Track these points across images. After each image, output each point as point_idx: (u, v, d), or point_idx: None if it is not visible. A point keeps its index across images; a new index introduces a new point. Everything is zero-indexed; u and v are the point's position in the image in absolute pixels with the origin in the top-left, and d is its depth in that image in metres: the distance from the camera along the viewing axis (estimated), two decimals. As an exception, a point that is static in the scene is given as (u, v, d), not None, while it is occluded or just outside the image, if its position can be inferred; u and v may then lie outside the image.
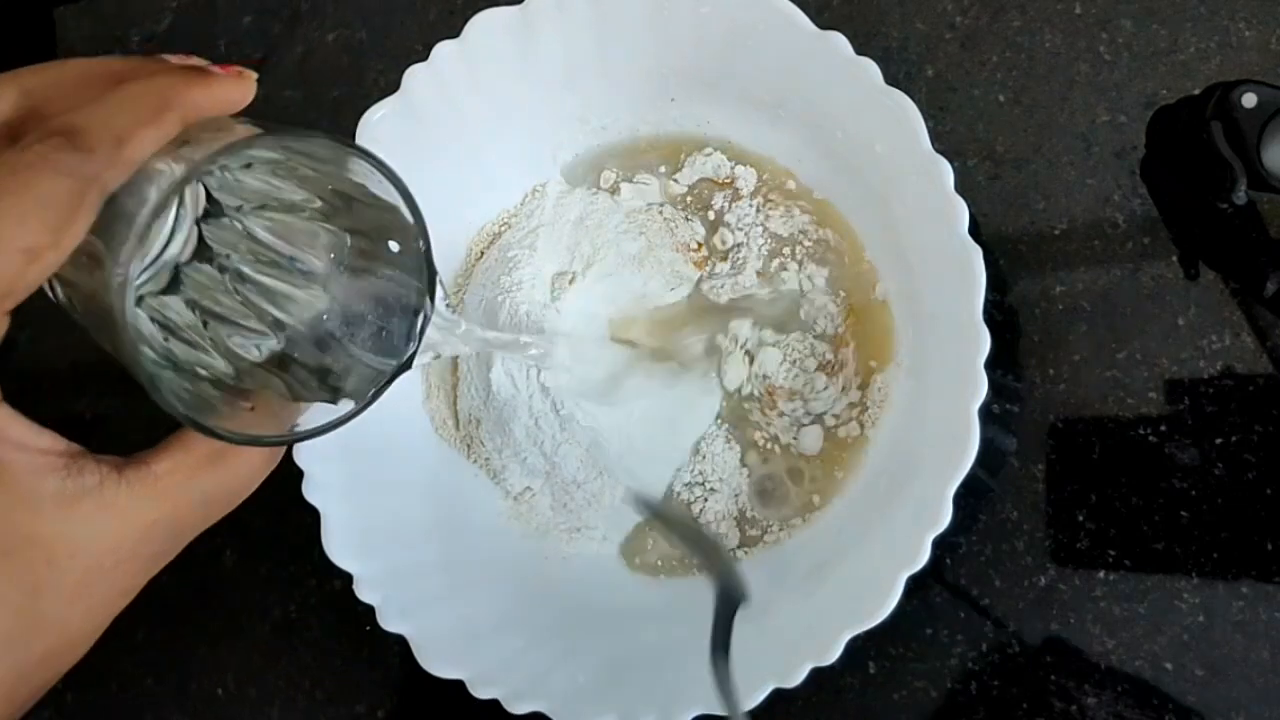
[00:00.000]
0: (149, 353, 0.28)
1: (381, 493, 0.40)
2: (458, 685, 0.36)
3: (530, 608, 0.41)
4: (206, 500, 0.28)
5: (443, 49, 0.39)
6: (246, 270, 0.30)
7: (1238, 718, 0.38)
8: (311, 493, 0.37)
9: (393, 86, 0.39)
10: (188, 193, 0.29)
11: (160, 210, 0.24)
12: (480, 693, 0.36)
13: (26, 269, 0.24)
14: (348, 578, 0.37)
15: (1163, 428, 0.40)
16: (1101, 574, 0.40)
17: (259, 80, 0.28)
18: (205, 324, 0.30)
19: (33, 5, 0.52)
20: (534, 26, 0.39)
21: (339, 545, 0.37)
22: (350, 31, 0.49)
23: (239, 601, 0.46)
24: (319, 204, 0.31)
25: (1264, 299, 0.41)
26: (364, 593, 0.37)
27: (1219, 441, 0.40)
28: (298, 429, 0.30)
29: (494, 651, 0.38)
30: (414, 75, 0.39)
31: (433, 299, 0.30)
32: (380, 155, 0.28)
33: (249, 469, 0.29)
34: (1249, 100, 0.37)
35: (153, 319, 0.29)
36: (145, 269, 0.28)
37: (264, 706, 0.45)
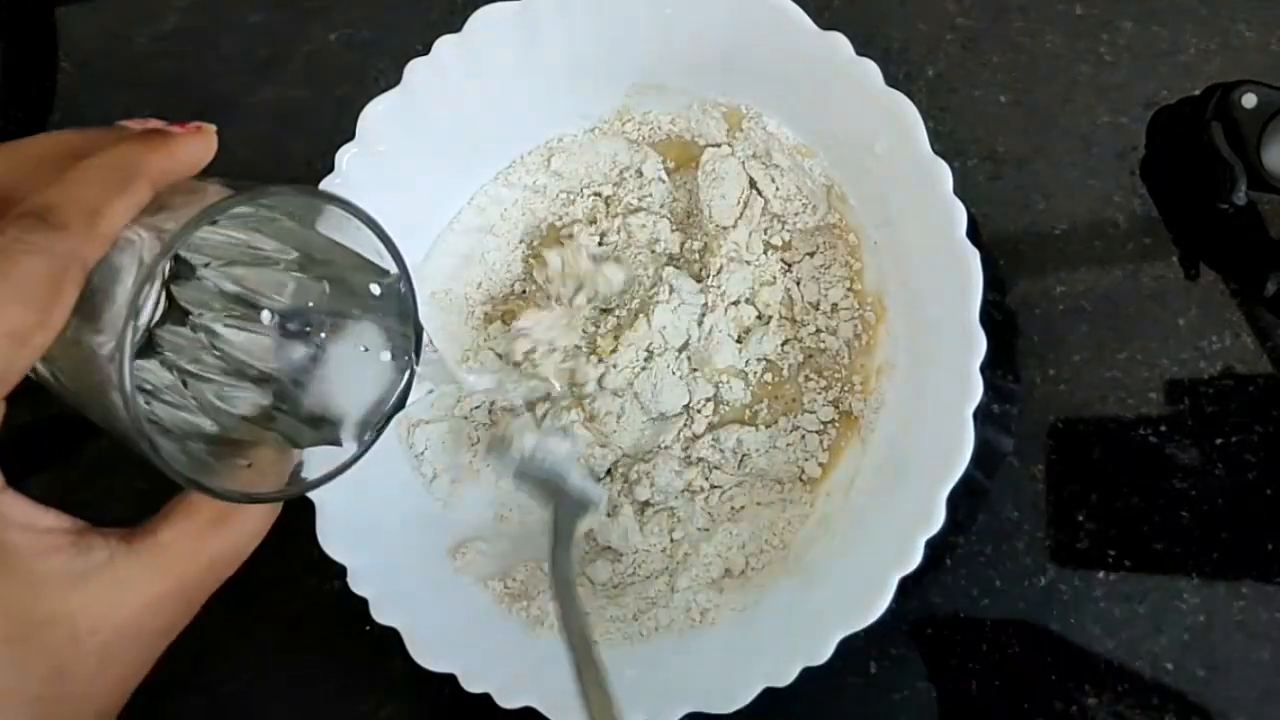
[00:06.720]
0: None
1: (377, 487, 0.40)
2: (460, 684, 0.36)
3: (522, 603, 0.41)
4: (213, 564, 0.28)
5: (444, 43, 0.39)
6: (218, 328, 0.30)
7: (1238, 718, 0.38)
8: None
9: (396, 85, 0.39)
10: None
11: (148, 279, 0.24)
12: (472, 687, 0.36)
13: (16, 353, 0.23)
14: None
15: (1163, 428, 0.40)
16: (1101, 574, 0.40)
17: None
18: (185, 384, 0.30)
19: (35, 5, 0.53)
20: (535, 22, 0.39)
21: (333, 537, 0.37)
22: (354, 30, 0.49)
23: (244, 600, 0.46)
24: (294, 255, 0.31)
25: (1264, 299, 0.41)
26: (357, 585, 0.37)
27: (1219, 441, 0.40)
28: (301, 479, 0.29)
29: (486, 646, 0.38)
30: (415, 69, 0.39)
31: (419, 341, 0.30)
32: (356, 203, 0.27)
33: (252, 527, 0.29)
34: (1249, 100, 0.37)
35: None
36: None
37: (270, 704, 0.45)
